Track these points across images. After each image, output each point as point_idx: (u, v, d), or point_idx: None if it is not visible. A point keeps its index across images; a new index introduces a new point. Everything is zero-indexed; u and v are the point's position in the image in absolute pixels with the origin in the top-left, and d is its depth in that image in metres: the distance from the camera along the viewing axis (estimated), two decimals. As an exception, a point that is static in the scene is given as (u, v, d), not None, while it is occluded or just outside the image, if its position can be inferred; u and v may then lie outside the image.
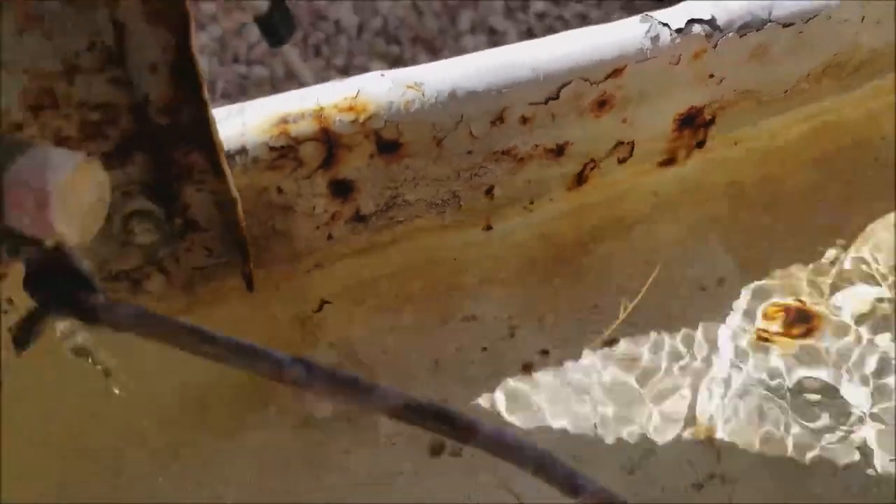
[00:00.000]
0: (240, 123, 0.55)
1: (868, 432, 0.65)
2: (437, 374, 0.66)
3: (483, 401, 0.65)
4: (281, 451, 0.62)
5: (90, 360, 0.41)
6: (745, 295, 0.72)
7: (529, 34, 1.86)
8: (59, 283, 0.34)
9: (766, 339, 0.69)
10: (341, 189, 0.61)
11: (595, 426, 0.64)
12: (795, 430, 0.65)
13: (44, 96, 0.46)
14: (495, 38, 2.02)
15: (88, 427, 0.60)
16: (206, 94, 0.46)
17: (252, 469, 0.61)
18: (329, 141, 0.57)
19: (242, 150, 0.55)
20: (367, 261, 0.68)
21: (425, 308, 0.70)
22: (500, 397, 0.65)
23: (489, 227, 0.70)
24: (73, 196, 0.30)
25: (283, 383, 0.31)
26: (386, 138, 0.59)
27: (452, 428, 0.34)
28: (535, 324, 0.69)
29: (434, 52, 1.84)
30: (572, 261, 0.72)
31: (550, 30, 1.84)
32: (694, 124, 0.70)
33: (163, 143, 0.49)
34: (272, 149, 0.56)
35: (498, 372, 0.67)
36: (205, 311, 0.64)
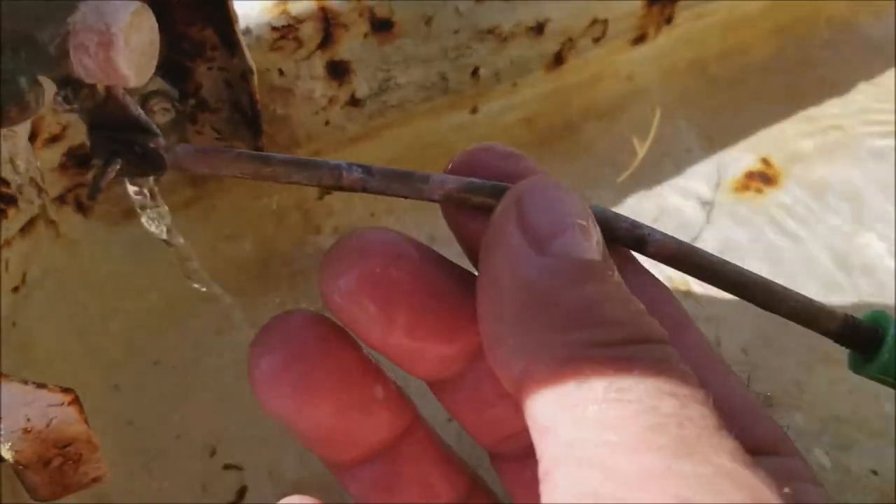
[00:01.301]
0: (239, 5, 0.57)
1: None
2: (434, 246, 0.69)
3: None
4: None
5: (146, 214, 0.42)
6: (713, 161, 0.76)
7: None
8: (119, 132, 0.35)
9: (733, 197, 0.74)
10: (338, 71, 0.63)
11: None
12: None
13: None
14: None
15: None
16: (221, -39, 0.48)
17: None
18: (326, 19, 0.60)
19: (246, 31, 0.57)
20: (362, 147, 0.70)
21: (420, 191, 0.73)
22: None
23: (475, 110, 0.73)
24: (133, 38, 0.32)
25: (344, 189, 0.34)
26: (379, 16, 0.62)
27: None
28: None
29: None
30: (559, 142, 0.76)
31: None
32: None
33: (176, 18, 0.51)
34: (274, 28, 0.58)
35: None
36: (209, 202, 0.66)
